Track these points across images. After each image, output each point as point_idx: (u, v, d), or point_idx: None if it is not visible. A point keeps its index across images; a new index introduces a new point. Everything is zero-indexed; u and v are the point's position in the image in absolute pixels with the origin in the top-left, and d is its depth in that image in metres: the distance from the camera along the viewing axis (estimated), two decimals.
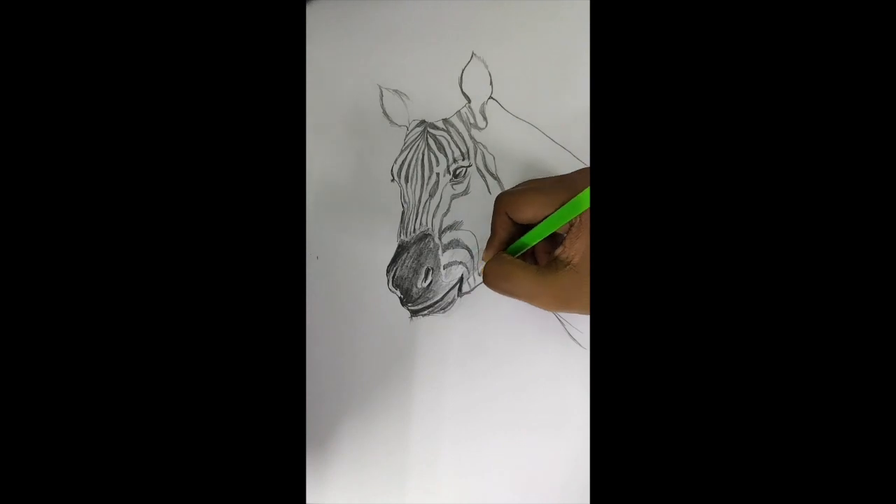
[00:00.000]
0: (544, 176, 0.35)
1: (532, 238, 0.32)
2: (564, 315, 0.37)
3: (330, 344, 0.37)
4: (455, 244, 0.37)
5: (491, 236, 0.34)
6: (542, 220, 0.31)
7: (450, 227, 0.38)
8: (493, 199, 0.33)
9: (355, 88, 0.40)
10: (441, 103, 0.39)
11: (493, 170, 0.38)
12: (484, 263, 0.33)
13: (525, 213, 0.31)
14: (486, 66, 0.40)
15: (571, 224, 0.30)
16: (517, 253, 0.33)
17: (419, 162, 0.38)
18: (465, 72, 0.40)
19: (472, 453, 0.36)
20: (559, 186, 0.31)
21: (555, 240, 0.32)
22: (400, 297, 0.37)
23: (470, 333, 0.37)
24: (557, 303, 0.30)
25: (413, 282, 0.37)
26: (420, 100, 0.39)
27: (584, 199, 0.28)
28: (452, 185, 0.38)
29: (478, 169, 0.38)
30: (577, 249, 0.29)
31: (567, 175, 0.31)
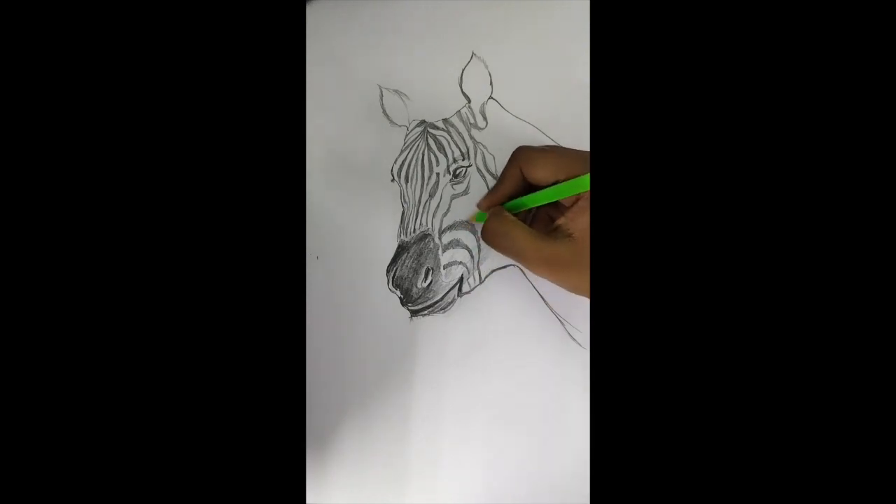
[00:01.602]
0: None
1: (533, 200, 0.32)
2: (564, 315, 0.37)
3: (330, 344, 0.37)
4: (455, 244, 0.37)
5: (496, 185, 0.35)
6: (550, 185, 0.31)
7: (450, 227, 0.37)
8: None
9: (355, 88, 0.40)
10: (441, 103, 0.39)
11: (493, 170, 0.38)
12: (481, 222, 0.34)
13: (538, 173, 0.31)
14: (486, 66, 0.40)
15: (578, 198, 0.30)
16: (514, 211, 0.33)
17: (419, 162, 0.38)
18: (465, 72, 0.40)
19: (472, 453, 0.36)
20: (579, 159, 0.31)
21: (556, 213, 0.33)
22: (400, 297, 0.37)
23: (470, 333, 0.37)
24: (546, 268, 0.31)
25: (413, 282, 0.37)
26: (420, 100, 0.39)
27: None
28: (452, 185, 0.38)
29: (478, 169, 0.38)
30: (579, 224, 0.29)
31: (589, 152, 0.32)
